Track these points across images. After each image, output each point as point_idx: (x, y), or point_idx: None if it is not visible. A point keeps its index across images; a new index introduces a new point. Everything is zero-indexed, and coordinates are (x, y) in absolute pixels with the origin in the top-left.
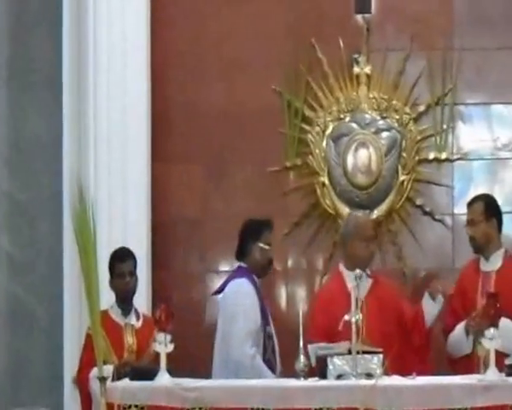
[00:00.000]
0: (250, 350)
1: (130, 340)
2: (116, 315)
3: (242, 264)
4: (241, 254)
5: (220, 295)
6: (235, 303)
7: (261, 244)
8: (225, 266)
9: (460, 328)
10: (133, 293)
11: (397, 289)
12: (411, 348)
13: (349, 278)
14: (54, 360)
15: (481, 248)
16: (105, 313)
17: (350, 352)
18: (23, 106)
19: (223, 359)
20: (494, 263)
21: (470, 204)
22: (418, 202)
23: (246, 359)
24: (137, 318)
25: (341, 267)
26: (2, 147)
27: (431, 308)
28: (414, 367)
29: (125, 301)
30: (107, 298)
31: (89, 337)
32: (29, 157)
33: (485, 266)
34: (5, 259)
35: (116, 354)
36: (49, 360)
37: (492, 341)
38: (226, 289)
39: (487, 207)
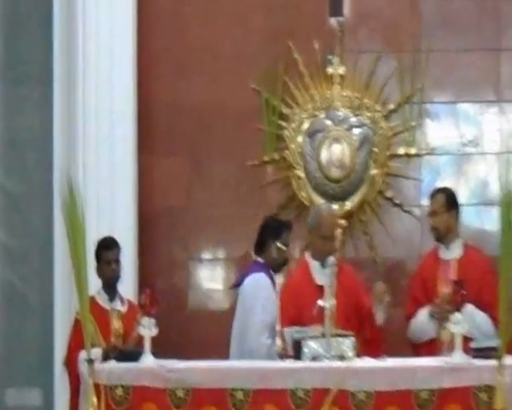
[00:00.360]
0: (266, 341)
1: (116, 324)
2: (103, 301)
3: (259, 259)
4: (259, 249)
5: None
6: (254, 296)
7: (279, 244)
8: (207, 255)
9: (424, 314)
10: (118, 279)
11: (359, 279)
12: (364, 339)
13: (314, 266)
14: (45, 344)
15: (442, 237)
16: (92, 299)
17: (323, 335)
18: (16, 103)
19: (240, 349)
20: (454, 252)
21: (432, 196)
22: (388, 194)
23: (262, 349)
24: (122, 303)
25: (307, 256)
26: None
27: (379, 311)
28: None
29: (110, 287)
30: (95, 285)
31: (77, 322)
32: (21, 152)
33: (445, 255)
34: (0, 249)
35: (103, 337)
36: (41, 344)
37: (458, 325)
38: (245, 283)
39: (448, 200)
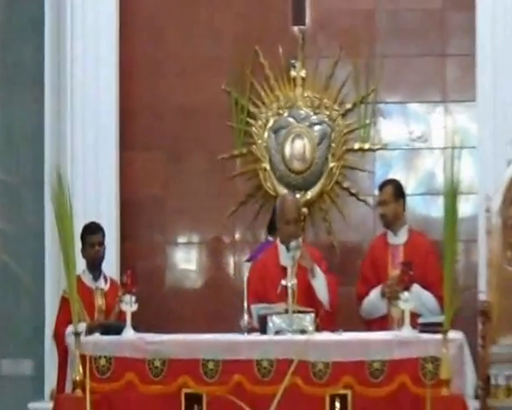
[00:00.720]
0: None
1: (99, 301)
2: (87, 280)
3: (270, 238)
4: (270, 230)
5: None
6: None
7: None
8: (182, 239)
9: (375, 293)
10: (102, 260)
11: (322, 261)
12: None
13: (281, 249)
14: (37, 319)
15: (391, 224)
16: (78, 278)
17: (286, 311)
18: (12, 104)
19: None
20: (401, 237)
21: (382, 187)
22: (345, 184)
23: None
24: (105, 282)
25: (278, 240)
26: None
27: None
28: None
29: (94, 267)
30: (81, 266)
31: (63, 300)
32: (16, 147)
33: (393, 240)
34: None
35: (88, 313)
36: (33, 319)
37: (407, 303)
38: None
39: (396, 190)
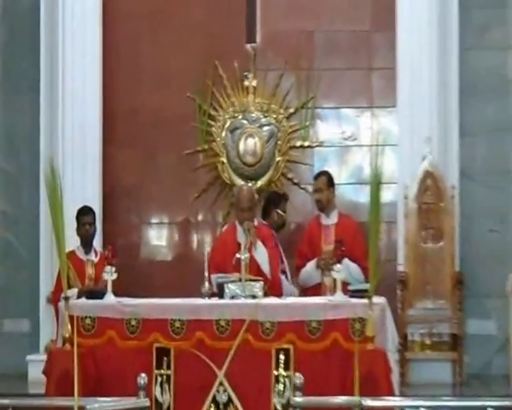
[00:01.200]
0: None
1: (90, 271)
2: (80, 254)
3: (264, 222)
4: (264, 215)
5: None
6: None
7: (278, 211)
8: (155, 220)
9: (311, 265)
10: (92, 237)
11: (273, 237)
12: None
13: (238, 229)
14: (33, 286)
15: (324, 208)
16: (73, 252)
17: (240, 280)
18: (12, 105)
19: None
20: (332, 219)
21: (316, 177)
22: (289, 175)
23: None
24: (96, 255)
25: (236, 222)
26: None
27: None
28: None
29: (86, 243)
30: (72, 242)
31: (59, 272)
32: (16, 142)
33: (326, 221)
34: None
35: (80, 281)
36: (30, 286)
37: (339, 273)
38: None
39: (328, 180)
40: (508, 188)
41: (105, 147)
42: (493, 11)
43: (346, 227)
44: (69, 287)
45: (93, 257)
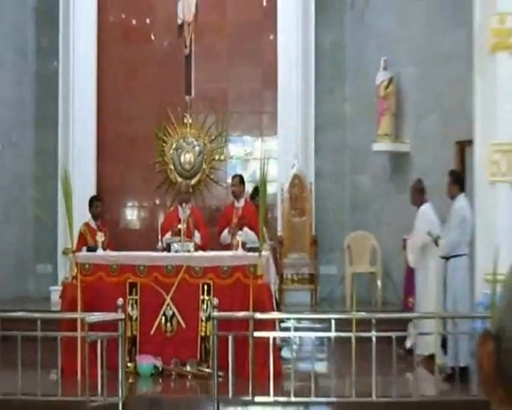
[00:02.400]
0: None
1: (99, 235)
2: (92, 224)
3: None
4: (252, 198)
5: None
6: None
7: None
8: (130, 204)
9: (225, 231)
10: (99, 215)
11: (201, 214)
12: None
13: (180, 208)
14: (53, 244)
15: (237, 196)
16: (87, 223)
17: (180, 241)
18: (41, 133)
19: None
20: (240, 203)
21: (233, 178)
22: (211, 177)
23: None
24: (102, 226)
25: (178, 204)
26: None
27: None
28: None
29: (96, 218)
30: (77, 218)
31: (80, 233)
32: (43, 156)
33: (237, 205)
34: (33, 202)
35: (93, 241)
36: (52, 244)
37: (240, 237)
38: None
39: (241, 179)
40: (341, 185)
41: (98, 159)
42: (335, 77)
43: (248, 209)
44: (86, 244)
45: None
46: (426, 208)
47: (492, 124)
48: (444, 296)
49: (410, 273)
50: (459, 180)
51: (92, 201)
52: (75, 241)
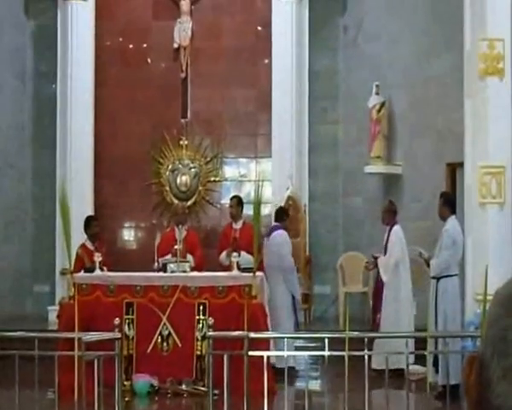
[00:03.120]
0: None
1: (96, 255)
2: (89, 245)
3: (277, 223)
4: (278, 219)
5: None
6: (287, 242)
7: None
8: (127, 224)
9: (223, 255)
10: (97, 234)
11: (197, 236)
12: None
13: (177, 229)
14: (51, 264)
15: (235, 217)
16: (83, 244)
17: (176, 261)
18: (40, 154)
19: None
20: (238, 225)
21: (231, 199)
22: (207, 198)
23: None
24: (100, 246)
25: (174, 225)
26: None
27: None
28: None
29: (93, 238)
30: (75, 238)
31: (77, 255)
32: (42, 175)
33: (235, 226)
34: (31, 222)
35: (90, 262)
36: (50, 264)
37: (235, 258)
38: (276, 234)
39: (238, 201)
40: (335, 206)
41: (95, 179)
42: (329, 100)
43: (246, 230)
44: (84, 266)
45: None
46: (398, 229)
47: (482, 146)
48: (435, 316)
49: (378, 290)
50: (450, 202)
51: (89, 220)
52: (73, 261)
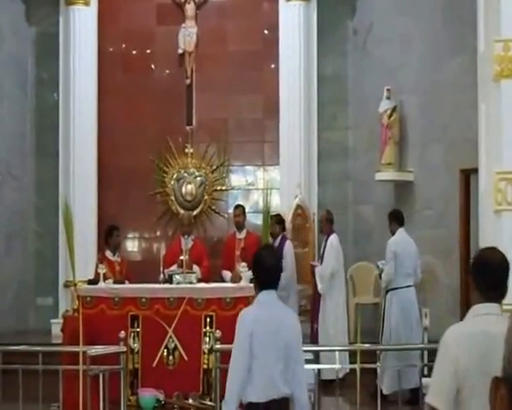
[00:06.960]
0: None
1: (117, 267)
2: (110, 256)
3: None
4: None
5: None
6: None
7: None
8: (131, 235)
9: (228, 276)
10: (118, 245)
11: (204, 246)
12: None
13: (182, 240)
14: (55, 277)
15: (239, 227)
16: (103, 253)
17: (182, 272)
18: (42, 163)
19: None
20: (242, 234)
21: (236, 208)
22: (213, 207)
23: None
24: (118, 256)
25: (180, 235)
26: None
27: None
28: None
29: (114, 248)
30: (78, 251)
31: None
32: (45, 186)
33: (239, 236)
34: (34, 234)
35: (112, 274)
36: (53, 277)
37: (244, 269)
38: (286, 245)
39: (242, 210)
40: (345, 214)
41: (99, 189)
42: (338, 106)
43: (250, 240)
44: (105, 278)
45: (116, 257)
46: (334, 238)
47: (497, 152)
48: (382, 328)
49: (316, 300)
50: (397, 218)
51: (111, 230)
52: (77, 272)
